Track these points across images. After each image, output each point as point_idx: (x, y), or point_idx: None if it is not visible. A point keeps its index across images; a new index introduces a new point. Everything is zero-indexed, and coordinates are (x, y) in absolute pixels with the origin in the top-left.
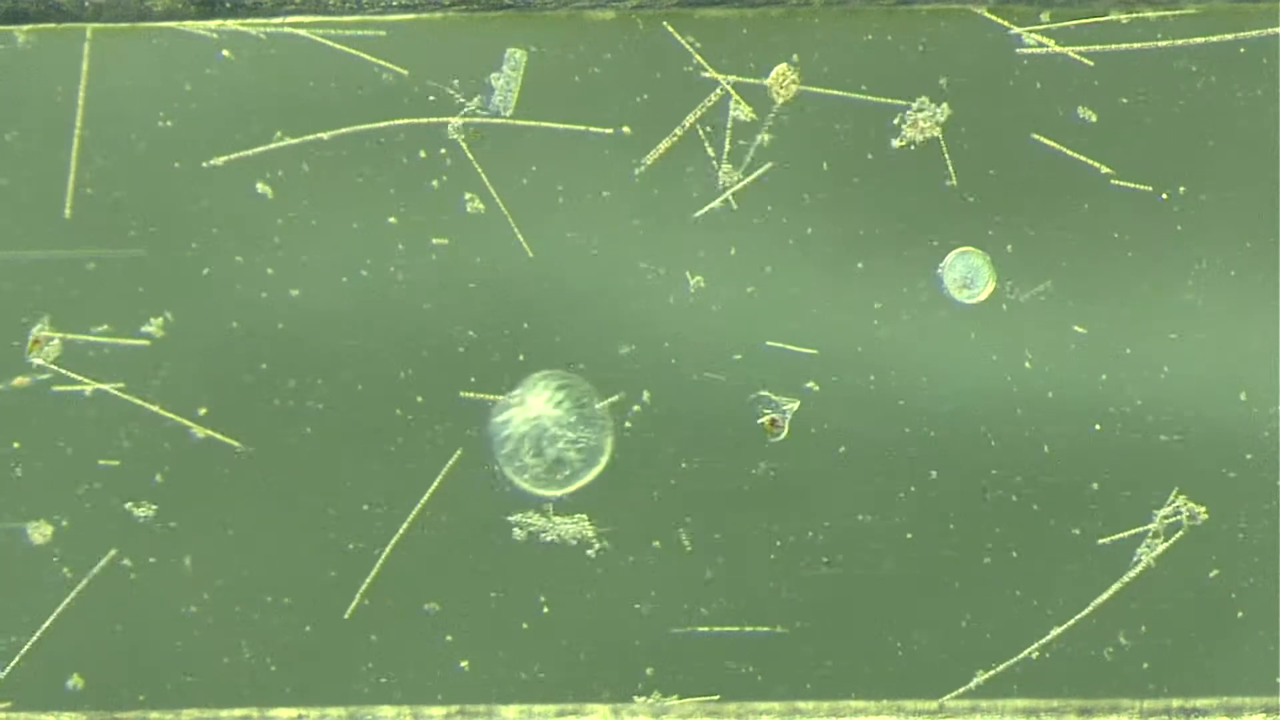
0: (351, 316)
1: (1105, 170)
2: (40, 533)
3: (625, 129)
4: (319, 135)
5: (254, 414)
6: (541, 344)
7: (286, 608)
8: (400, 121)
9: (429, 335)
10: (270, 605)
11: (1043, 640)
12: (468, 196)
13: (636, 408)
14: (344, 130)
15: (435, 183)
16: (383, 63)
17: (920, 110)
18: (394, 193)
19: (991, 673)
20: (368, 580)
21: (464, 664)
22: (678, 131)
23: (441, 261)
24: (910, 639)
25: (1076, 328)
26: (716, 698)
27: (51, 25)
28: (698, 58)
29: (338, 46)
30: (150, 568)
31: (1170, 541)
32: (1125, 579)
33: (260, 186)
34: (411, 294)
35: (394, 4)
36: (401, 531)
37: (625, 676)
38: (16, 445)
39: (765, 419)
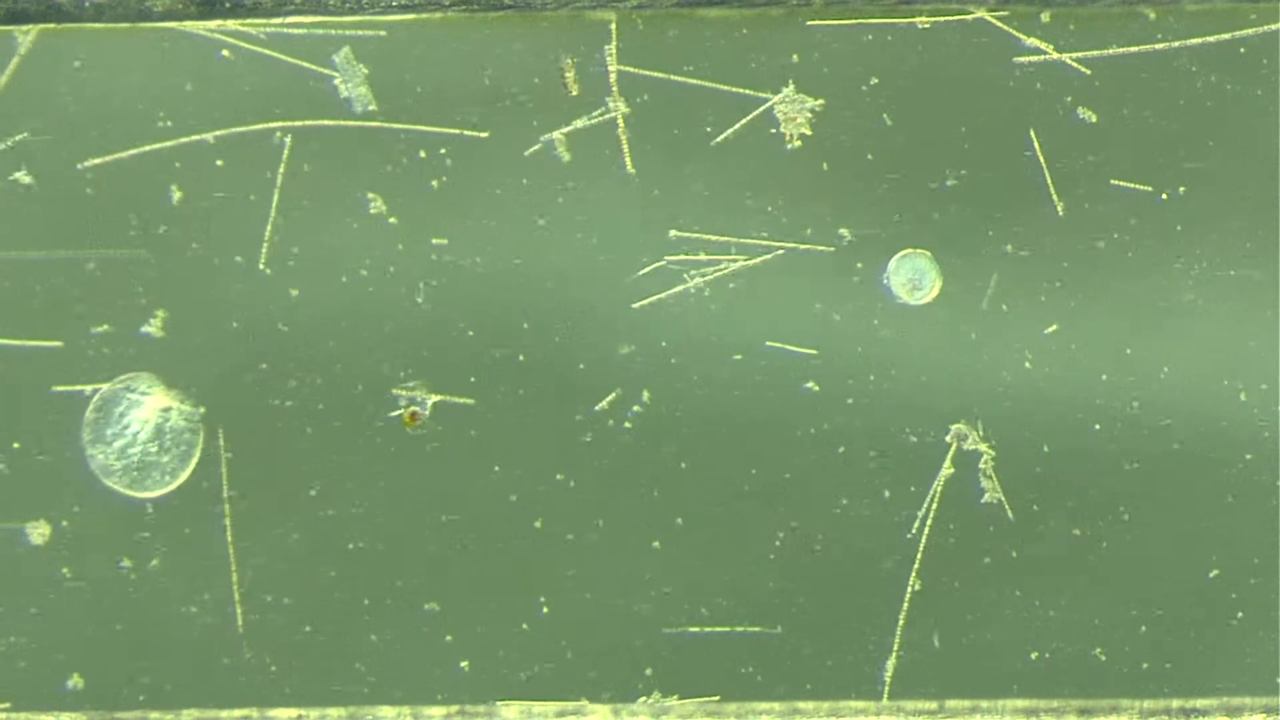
0: (351, 316)
1: (1060, 211)
2: (40, 533)
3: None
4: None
5: (254, 414)
6: (542, 344)
7: (286, 608)
8: (276, 124)
9: (429, 335)
10: (270, 605)
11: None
12: (370, 197)
13: (637, 408)
14: (236, 129)
15: (435, 183)
16: (308, 65)
17: (787, 102)
18: (392, 192)
19: (896, 660)
20: (233, 581)
21: (464, 664)
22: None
23: (441, 261)
24: (910, 639)
25: (1048, 329)
26: (716, 698)
27: (52, 25)
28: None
29: (250, 47)
30: (150, 568)
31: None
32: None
33: (258, 185)
34: (411, 294)
35: (394, 4)
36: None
37: (625, 676)
38: (16, 445)
39: (405, 412)
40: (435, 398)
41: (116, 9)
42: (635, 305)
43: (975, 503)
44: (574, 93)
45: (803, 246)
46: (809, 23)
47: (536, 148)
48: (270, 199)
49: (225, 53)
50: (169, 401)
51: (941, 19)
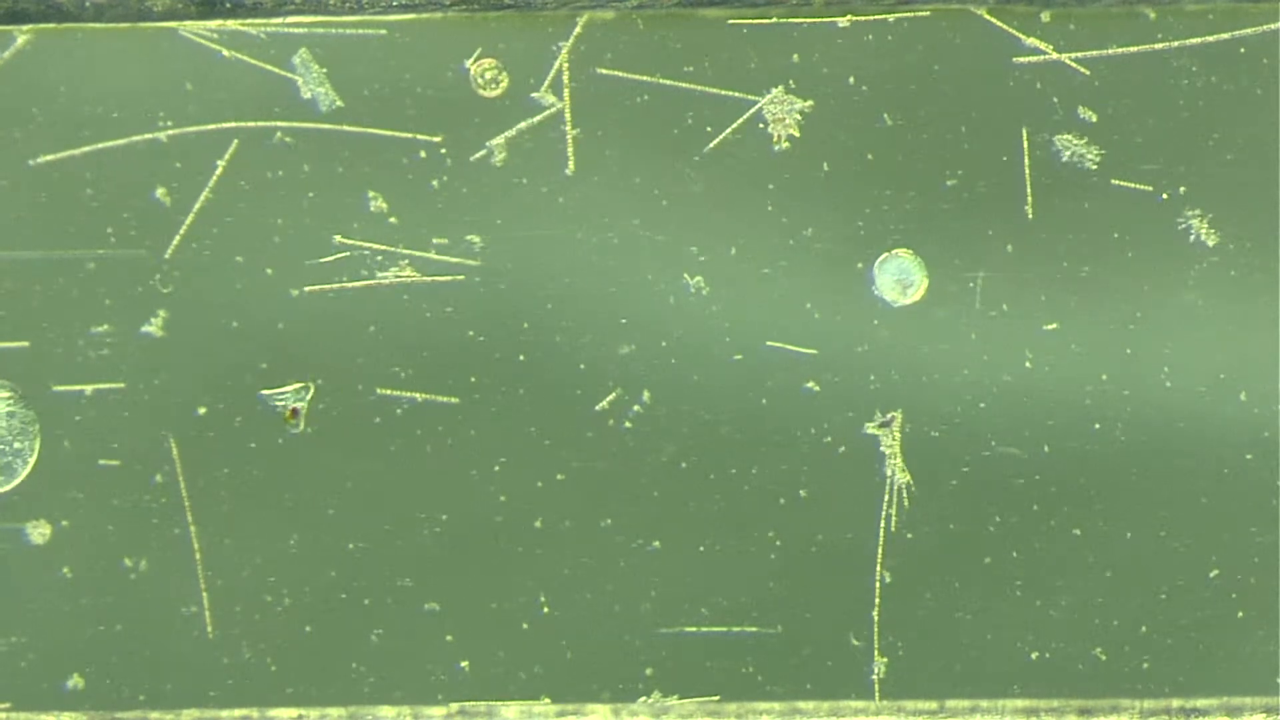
0: (350, 317)
1: (1030, 214)
2: (40, 533)
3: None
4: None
5: (254, 414)
6: (541, 344)
7: (286, 608)
8: (229, 125)
9: (427, 336)
10: (270, 605)
11: (1042, 641)
12: (371, 195)
13: (637, 408)
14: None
15: (435, 183)
16: (269, 67)
17: (775, 103)
18: (389, 193)
19: (887, 661)
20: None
21: (464, 664)
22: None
23: (440, 261)
24: (911, 639)
25: (1048, 328)
26: (716, 698)
27: (51, 25)
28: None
29: (212, 46)
30: (150, 568)
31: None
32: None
33: (259, 184)
34: (410, 294)
35: (394, 4)
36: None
37: (625, 676)
38: (17, 445)
39: (286, 410)
40: (306, 399)
41: (116, 9)
42: (305, 289)
43: (962, 499)
44: (487, 94)
45: (435, 257)
46: (803, 20)
47: (481, 153)
48: (259, 198)
49: (225, 53)
50: None
51: (939, 9)
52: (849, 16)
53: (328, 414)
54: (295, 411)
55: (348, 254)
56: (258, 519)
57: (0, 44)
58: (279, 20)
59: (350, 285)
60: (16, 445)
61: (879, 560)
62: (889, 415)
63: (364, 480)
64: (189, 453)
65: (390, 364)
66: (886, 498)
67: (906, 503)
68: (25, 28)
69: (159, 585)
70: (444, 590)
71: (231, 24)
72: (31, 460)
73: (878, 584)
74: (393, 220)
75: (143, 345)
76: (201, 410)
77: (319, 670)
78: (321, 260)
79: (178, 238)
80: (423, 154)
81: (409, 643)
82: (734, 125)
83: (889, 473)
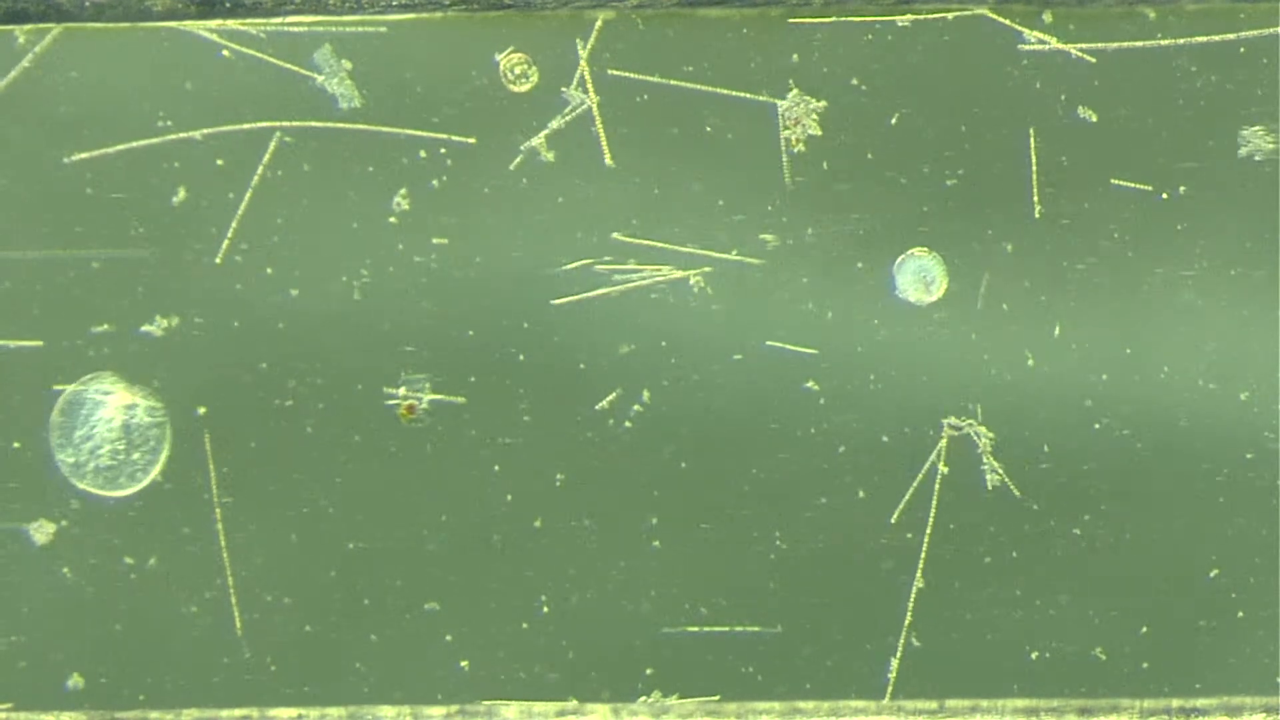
0: (351, 316)
1: (1037, 213)
2: (43, 532)
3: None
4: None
5: (254, 414)
6: (541, 344)
7: (286, 608)
8: (263, 125)
9: (428, 335)
10: (270, 605)
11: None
12: (399, 197)
13: (637, 408)
14: (226, 128)
15: (435, 183)
16: (290, 66)
17: (794, 105)
18: (392, 192)
19: (900, 659)
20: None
21: (464, 664)
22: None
23: (441, 261)
24: (910, 639)
25: (1050, 329)
26: (716, 698)
27: (52, 25)
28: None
29: (225, 43)
30: (150, 567)
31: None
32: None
33: (259, 184)
34: (411, 294)
35: (394, 4)
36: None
37: (625, 676)
38: (17, 445)
39: (402, 405)
40: (431, 396)
41: (116, 9)
42: (555, 302)
43: (977, 497)
44: (517, 89)
45: (733, 256)
46: (802, 20)
47: (520, 157)
48: (260, 197)
49: (225, 53)
50: (132, 398)
51: (942, 15)
52: (908, 16)
53: (328, 414)
54: (412, 408)
55: (590, 261)
56: (257, 519)
57: (26, 42)
58: (279, 20)
59: (597, 293)
60: (136, 455)
61: (920, 563)
62: (961, 420)
63: (364, 480)
64: (187, 452)
65: (392, 364)
66: (914, 499)
67: (1009, 519)
68: (55, 26)
69: (159, 585)
70: (444, 590)
71: (232, 24)
72: (155, 470)
73: (914, 588)
74: (416, 217)
75: (143, 345)
76: (201, 410)
77: (319, 670)
78: (566, 267)
79: (226, 242)
80: (444, 151)
81: (409, 643)
82: (783, 134)
83: (930, 473)
